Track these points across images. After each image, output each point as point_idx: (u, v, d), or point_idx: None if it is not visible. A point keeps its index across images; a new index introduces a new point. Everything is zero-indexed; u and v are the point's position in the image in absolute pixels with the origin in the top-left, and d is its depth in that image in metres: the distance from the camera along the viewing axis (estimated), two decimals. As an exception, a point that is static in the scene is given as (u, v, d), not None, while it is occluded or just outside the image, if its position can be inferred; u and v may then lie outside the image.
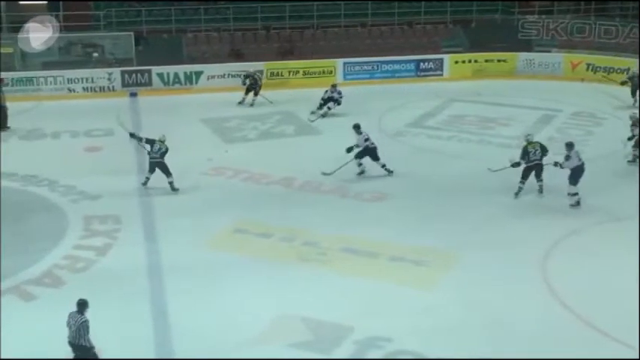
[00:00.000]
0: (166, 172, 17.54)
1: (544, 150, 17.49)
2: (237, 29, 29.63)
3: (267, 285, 13.60)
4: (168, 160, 17.59)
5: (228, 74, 26.85)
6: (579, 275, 13.87)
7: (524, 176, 17.36)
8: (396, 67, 28.70)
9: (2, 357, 11.39)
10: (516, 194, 17.40)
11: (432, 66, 28.91)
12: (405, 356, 11.55)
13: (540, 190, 17.43)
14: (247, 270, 14.04)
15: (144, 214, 16.71)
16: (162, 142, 17.61)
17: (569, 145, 17.00)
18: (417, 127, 22.93)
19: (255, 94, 25.04)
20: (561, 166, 16.90)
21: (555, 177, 17.34)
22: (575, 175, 16.80)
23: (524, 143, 17.59)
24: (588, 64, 28.39)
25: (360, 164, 18.59)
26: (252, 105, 24.87)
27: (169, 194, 17.55)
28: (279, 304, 12.92)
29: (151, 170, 17.65)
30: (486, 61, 29.10)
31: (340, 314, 12.53)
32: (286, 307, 12.83)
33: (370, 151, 18.51)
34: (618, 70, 27.33)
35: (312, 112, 23.47)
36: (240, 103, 24.98)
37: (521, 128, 22.14)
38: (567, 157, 16.84)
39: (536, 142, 17.73)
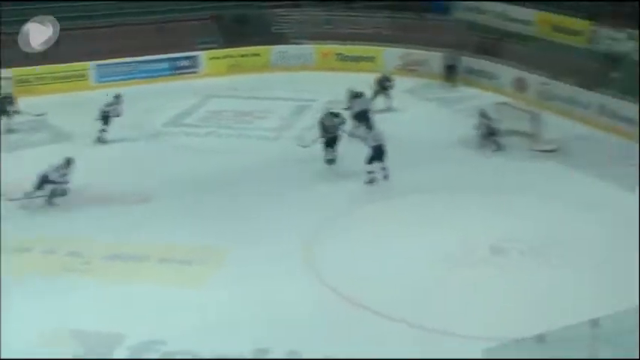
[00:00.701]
0: None
1: (338, 117, 19.11)
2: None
3: (31, 300, 13.03)
4: None
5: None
6: (347, 257, 14.47)
7: (330, 145, 18.70)
8: (152, 66, 28.30)
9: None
10: (329, 163, 18.70)
11: (188, 64, 28.85)
12: (180, 356, 11.53)
13: (334, 161, 18.64)
14: (6, 287, 13.26)
15: None
16: None
17: (368, 127, 18.73)
18: (175, 126, 22.93)
19: (9, 115, 22.32)
20: (364, 143, 17.99)
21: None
22: (373, 154, 17.75)
23: (320, 120, 19.06)
24: (337, 54, 29.50)
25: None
26: (13, 132, 22.15)
27: None
28: (44, 320, 12.43)
29: None
30: (242, 56, 29.42)
31: (110, 323, 12.30)
32: (53, 321, 12.39)
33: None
34: (366, 59, 28.65)
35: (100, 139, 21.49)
36: None
37: (277, 120, 22.92)
38: (364, 138, 18.21)
39: (329, 115, 19.18)
